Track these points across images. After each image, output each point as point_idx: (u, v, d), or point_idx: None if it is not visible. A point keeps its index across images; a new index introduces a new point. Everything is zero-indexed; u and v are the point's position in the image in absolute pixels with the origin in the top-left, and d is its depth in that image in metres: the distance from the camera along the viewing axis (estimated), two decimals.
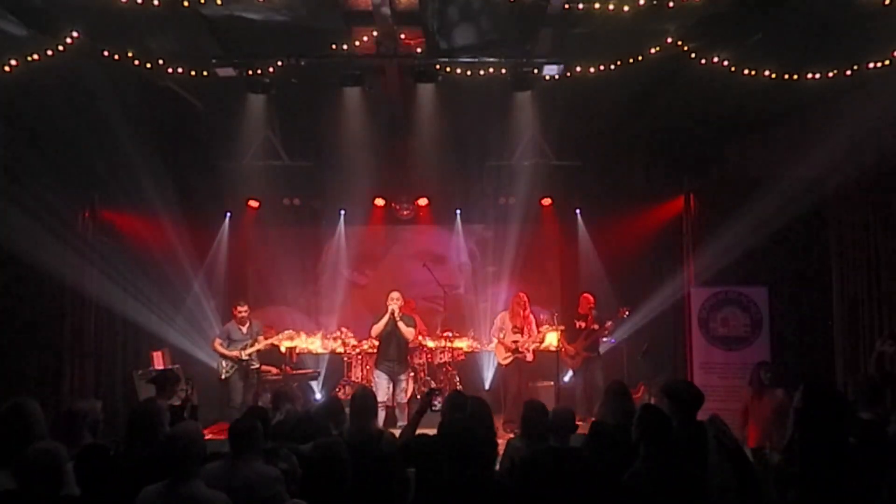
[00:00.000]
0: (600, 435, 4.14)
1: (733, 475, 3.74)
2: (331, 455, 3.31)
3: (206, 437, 4.26)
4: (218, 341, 8.67)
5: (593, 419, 5.97)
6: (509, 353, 8.78)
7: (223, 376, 8.58)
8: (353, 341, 9.98)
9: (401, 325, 8.03)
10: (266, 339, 8.84)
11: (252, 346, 8.60)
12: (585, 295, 9.28)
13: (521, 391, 8.70)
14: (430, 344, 9.72)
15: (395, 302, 8.16)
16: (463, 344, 10.03)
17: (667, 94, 8.42)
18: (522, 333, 8.77)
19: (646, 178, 9.97)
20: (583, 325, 9.04)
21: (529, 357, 8.80)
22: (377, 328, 8.19)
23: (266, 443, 4.20)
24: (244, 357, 8.53)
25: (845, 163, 7.98)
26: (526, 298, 8.98)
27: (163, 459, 3.48)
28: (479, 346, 10.27)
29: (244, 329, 8.66)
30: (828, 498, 3.78)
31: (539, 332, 8.86)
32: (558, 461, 3.35)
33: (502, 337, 8.85)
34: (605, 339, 9.36)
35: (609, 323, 9.08)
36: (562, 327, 8.90)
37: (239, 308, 8.71)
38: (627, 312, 9.10)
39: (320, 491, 3.21)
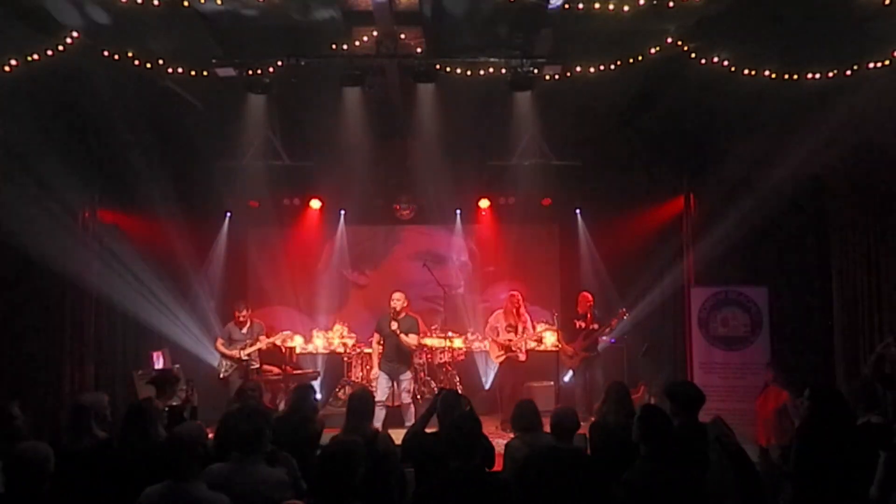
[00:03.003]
0: (602, 435, 4.15)
1: (734, 477, 3.74)
2: (343, 454, 3.31)
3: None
4: (220, 341, 8.70)
5: (593, 419, 5.98)
6: (502, 352, 8.79)
7: (222, 375, 8.59)
8: (351, 341, 10.00)
9: (403, 338, 8.05)
10: (266, 339, 8.87)
11: (251, 345, 8.61)
12: (584, 294, 9.28)
13: (516, 390, 8.71)
14: (431, 343, 9.73)
15: (396, 302, 8.16)
16: (460, 343, 10.04)
17: (666, 94, 8.42)
18: (516, 332, 8.78)
19: (646, 178, 9.96)
20: (582, 324, 9.04)
21: (522, 357, 8.80)
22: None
23: (267, 445, 4.20)
24: (243, 357, 8.53)
25: (845, 163, 7.99)
26: (520, 297, 8.98)
27: (165, 460, 3.48)
28: (478, 345, 10.27)
29: (244, 330, 8.67)
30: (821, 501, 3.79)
31: (535, 330, 8.85)
32: (559, 461, 3.36)
33: (496, 336, 8.86)
34: (604, 339, 9.36)
35: (613, 321, 9.07)
36: (557, 328, 8.90)
37: (237, 313, 8.73)
38: (626, 314, 9.10)
39: (330, 489, 3.22)
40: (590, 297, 9.22)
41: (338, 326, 10.29)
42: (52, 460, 3.32)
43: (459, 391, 8.93)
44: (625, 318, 9.15)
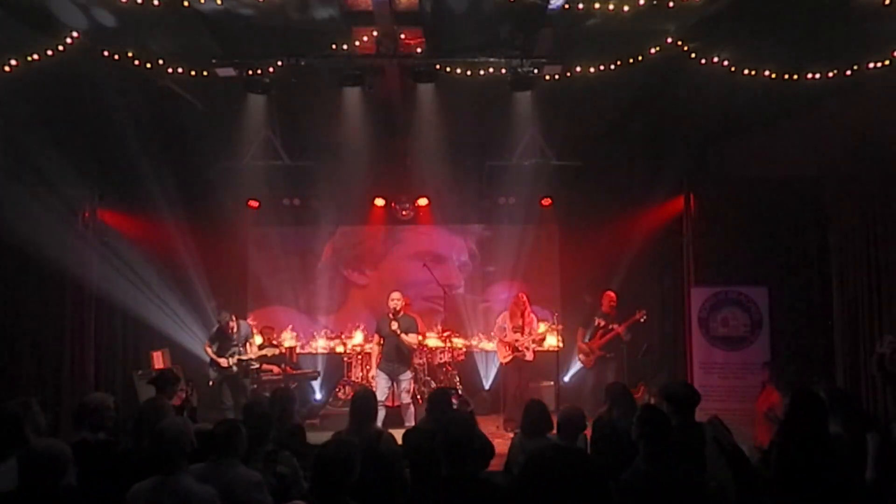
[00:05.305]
0: (606, 432, 4.15)
1: (731, 476, 3.74)
2: (338, 454, 3.32)
3: None
4: (208, 344, 8.63)
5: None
6: (509, 352, 8.80)
7: (211, 382, 8.53)
8: (352, 342, 10.00)
9: (404, 337, 8.02)
10: (270, 342, 8.86)
11: (241, 354, 8.54)
12: (608, 293, 9.22)
13: (521, 390, 8.71)
14: (431, 343, 9.73)
15: (395, 302, 8.15)
16: (460, 343, 10.04)
17: (667, 94, 8.42)
18: (522, 332, 8.78)
19: (646, 178, 9.96)
20: (601, 322, 9.00)
21: (529, 356, 8.80)
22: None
23: (267, 445, 4.21)
24: (231, 364, 8.46)
25: (845, 162, 7.99)
26: (525, 298, 8.98)
27: (152, 454, 3.53)
28: (478, 345, 10.27)
29: (233, 336, 8.61)
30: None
31: (538, 330, 8.85)
32: (561, 459, 3.37)
33: (504, 336, 8.87)
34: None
35: (630, 321, 9.02)
36: (560, 327, 8.90)
37: (222, 323, 8.64)
38: (645, 315, 9.02)
39: (325, 489, 3.23)
40: (613, 295, 9.18)
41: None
42: (69, 458, 3.33)
43: (460, 391, 9.00)
44: (642, 319, 9.10)
